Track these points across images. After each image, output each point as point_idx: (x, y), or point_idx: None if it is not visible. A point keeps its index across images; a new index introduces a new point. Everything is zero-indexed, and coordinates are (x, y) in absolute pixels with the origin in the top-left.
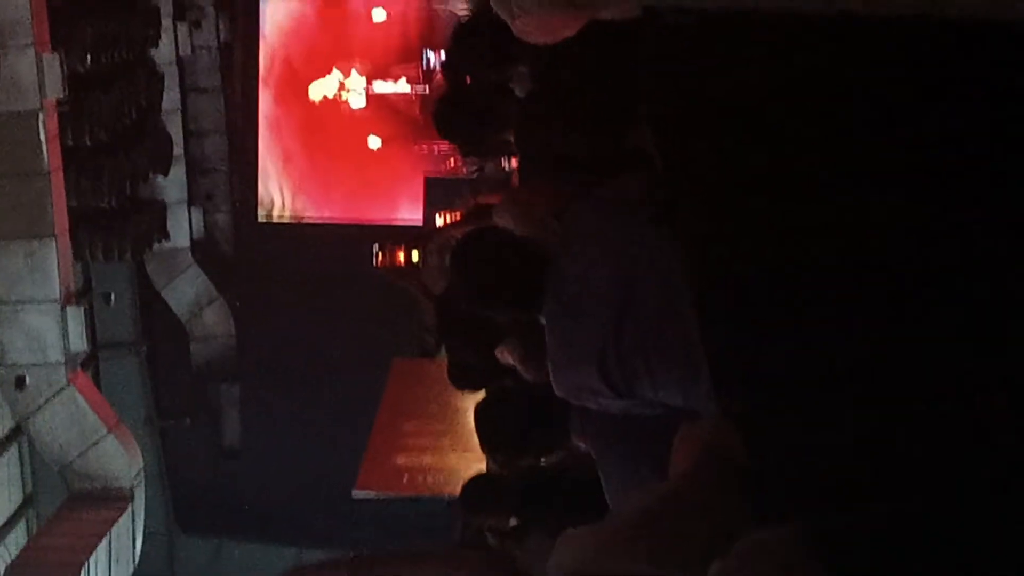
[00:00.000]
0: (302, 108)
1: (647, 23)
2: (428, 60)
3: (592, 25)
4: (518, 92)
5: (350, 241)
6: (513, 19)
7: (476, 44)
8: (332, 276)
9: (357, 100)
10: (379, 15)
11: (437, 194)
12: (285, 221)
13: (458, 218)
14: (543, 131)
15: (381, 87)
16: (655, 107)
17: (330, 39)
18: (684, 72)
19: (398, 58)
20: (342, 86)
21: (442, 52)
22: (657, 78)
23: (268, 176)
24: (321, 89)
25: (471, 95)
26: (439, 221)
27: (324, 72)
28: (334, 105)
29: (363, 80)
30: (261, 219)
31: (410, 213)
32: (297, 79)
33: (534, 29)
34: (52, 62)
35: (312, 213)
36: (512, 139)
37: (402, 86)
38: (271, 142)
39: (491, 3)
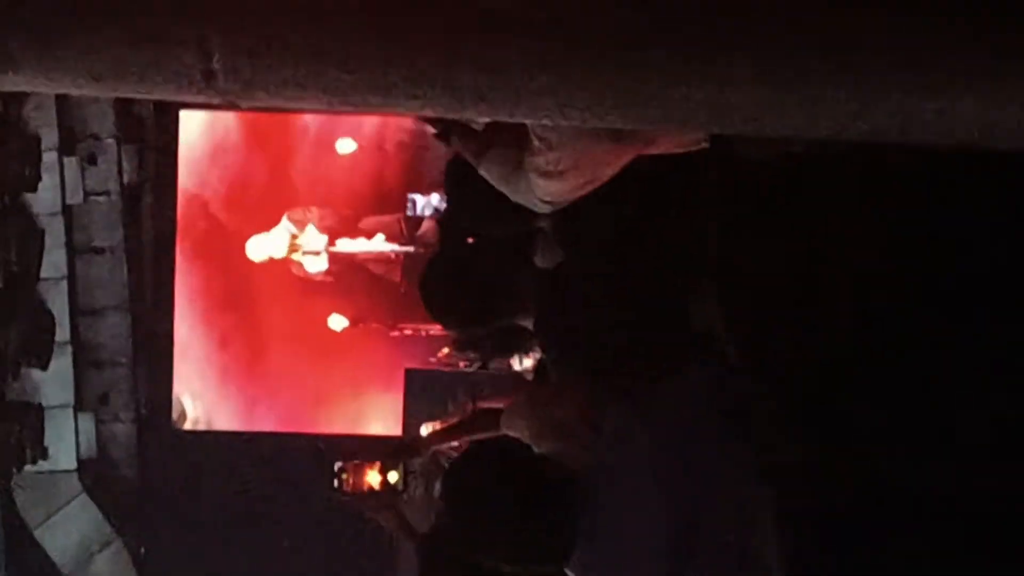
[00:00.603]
0: (238, 274)
1: (716, 160)
2: (415, 207)
3: (641, 164)
4: (539, 260)
5: (302, 457)
6: (534, 155)
7: (481, 188)
8: (276, 507)
9: (315, 263)
10: (346, 146)
11: (422, 393)
12: (212, 430)
13: (452, 426)
14: (573, 314)
15: (348, 245)
16: (728, 274)
17: (278, 179)
18: (769, 226)
19: (373, 205)
20: (294, 245)
21: (434, 197)
22: (731, 235)
23: (189, 371)
24: (264, 247)
25: (473, 262)
26: (425, 431)
27: (269, 225)
28: (282, 269)
29: (324, 237)
30: (177, 428)
31: (384, 420)
32: (230, 235)
33: (561, 170)
34: None
35: (250, 421)
36: (530, 325)
37: (378, 244)
38: (193, 322)
39: (504, 133)
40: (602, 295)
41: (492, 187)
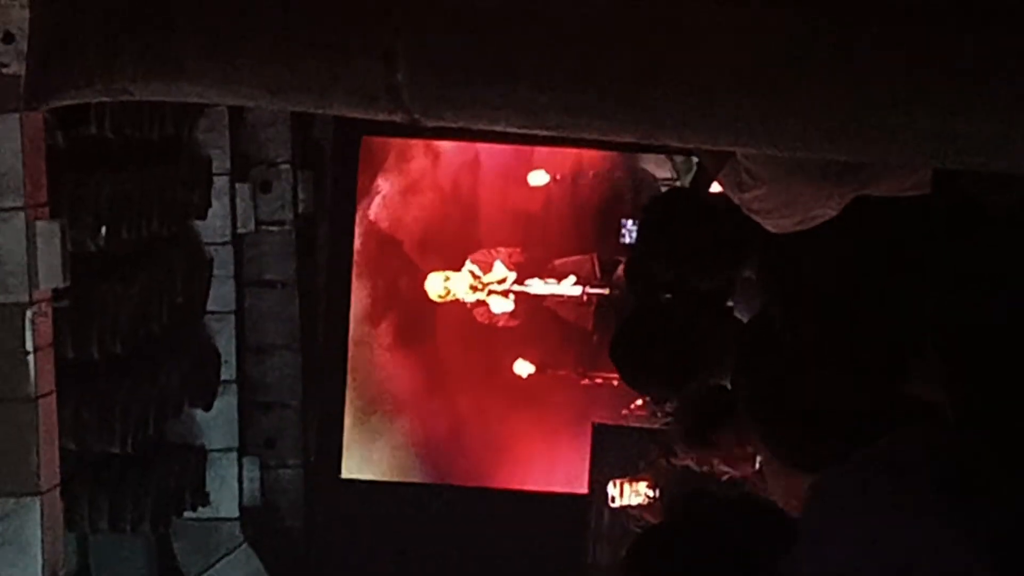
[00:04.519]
0: (416, 315)
1: (943, 205)
2: (629, 234)
3: (859, 206)
4: (740, 311)
5: (478, 511)
6: (742, 193)
7: (685, 235)
8: (449, 563)
9: (501, 303)
10: (538, 178)
11: (610, 450)
12: (384, 480)
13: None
14: (776, 371)
15: (537, 287)
16: (953, 334)
17: (466, 213)
18: (1005, 283)
19: (565, 244)
20: (478, 284)
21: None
22: (960, 290)
23: (361, 416)
24: (443, 284)
25: (667, 321)
26: (613, 491)
27: (453, 259)
28: (464, 309)
29: (512, 275)
30: (348, 476)
31: (569, 476)
32: (411, 273)
33: (771, 207)
34: (50, 234)
35: (424, 472)
36: (728, 383)
37: (569, 287)
38: (368, 364)
39: (711, 170)
40: (808, 351)
41: (698, 233)
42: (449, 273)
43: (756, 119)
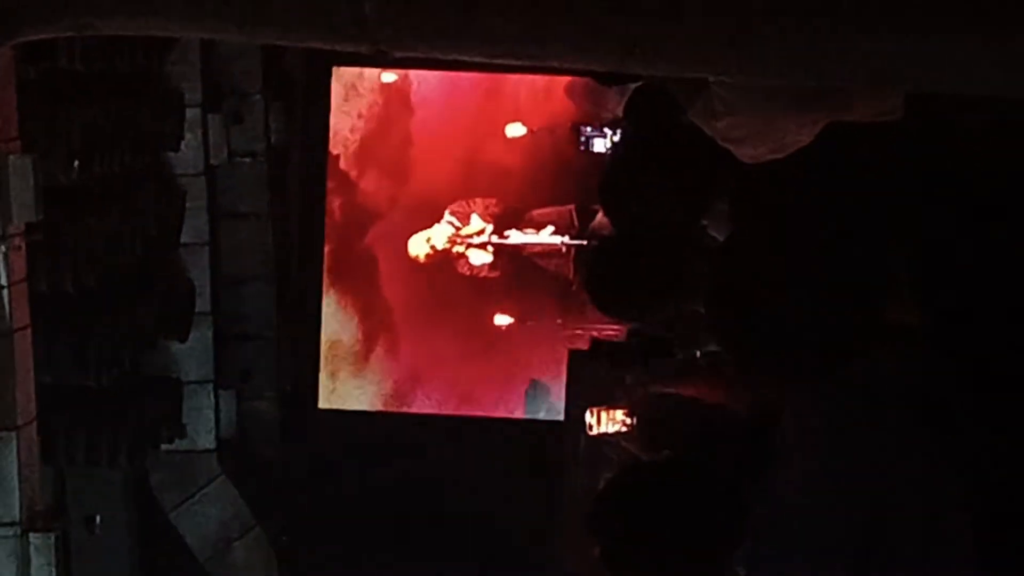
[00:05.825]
0: (392, 248)
1: (918, 128)
2: (587, 141)
3: (833, 133)
4: (714, 230)
5: (461, 439)
6: (715, 121)
7: (650, 164)
8: (432, 493)
9: (480, 256)
10: (516, 130)
11: (586, 377)
12: (361, 410)
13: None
14: (750, 295)
15: (515, 237)
16: (930, 258)
17: (440, 166)
18: (975, 205)
19: (542, 196)
20: (456, 237)
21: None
22: (931, 213)
23: (338, 347)
24: (425, 243)
25: (642, 248)
26: (590, 419)
27: (430, 203)
28: (443, 257)
29: (488, 226)
30: (324, 407)
31: (547, 406)
32: (384, 204)
33: (745, 135)
34: (22, 168)
35: (401, 403)
36: (703, 308)
37: (547, 236)
38: (343, 297)
39: (684, 103)
40: (784, 276)
41: (671, 172)
42: (429, 233)
43: (726, 46)
